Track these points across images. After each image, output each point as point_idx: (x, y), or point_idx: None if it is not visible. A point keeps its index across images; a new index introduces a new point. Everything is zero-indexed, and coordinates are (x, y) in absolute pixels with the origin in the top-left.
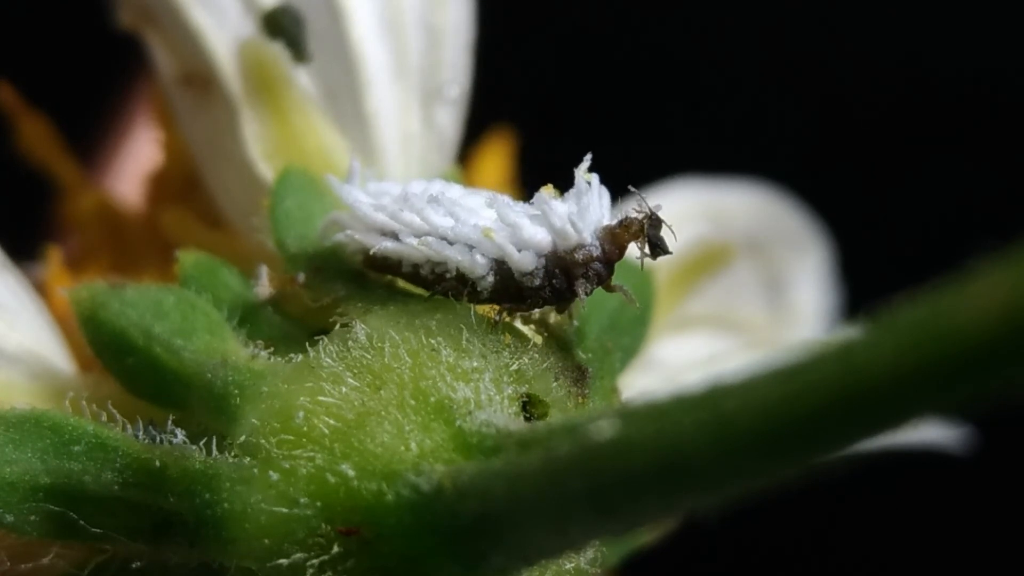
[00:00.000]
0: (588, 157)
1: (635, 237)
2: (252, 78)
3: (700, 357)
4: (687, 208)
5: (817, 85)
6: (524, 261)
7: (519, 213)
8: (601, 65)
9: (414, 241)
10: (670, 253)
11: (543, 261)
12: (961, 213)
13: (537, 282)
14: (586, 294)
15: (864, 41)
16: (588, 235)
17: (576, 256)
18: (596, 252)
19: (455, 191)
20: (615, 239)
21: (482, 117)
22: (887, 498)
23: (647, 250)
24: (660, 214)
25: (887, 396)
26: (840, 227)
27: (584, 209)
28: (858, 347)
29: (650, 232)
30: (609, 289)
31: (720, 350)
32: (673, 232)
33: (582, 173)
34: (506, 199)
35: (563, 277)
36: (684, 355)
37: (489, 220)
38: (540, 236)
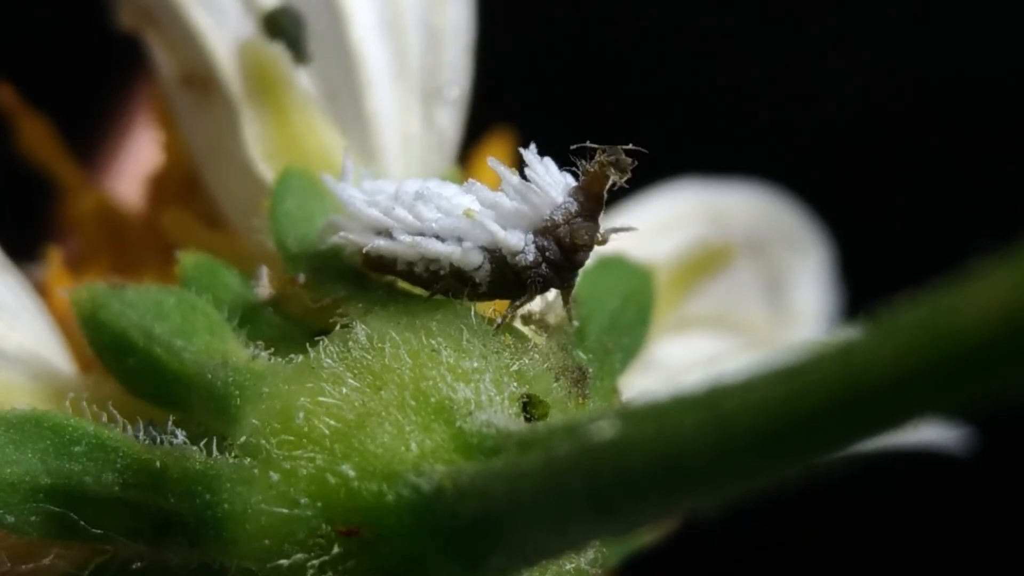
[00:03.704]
0: (533, 145)
1: (604, 177)
2: (252, 79)
3: (700, 357)
4: (687, 208)
5: (818, 85)
6: (512, 239)
7: (498, 193)
8: (601, 65)
9: (407, 239)
10: (645, 153)
11: (531, 237)
12: (961, 213)
13: (531, 258)
14: (576, 245)
15: (864, 41)
16: (558, 194)
17: (556, 218)
18: (574, 207)
19: (449, 189)
20: (588, 188)
21: (482, 117)
22: (887, 498)
23: (622, 176)
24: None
25: (887, 396)
26: (840, 227)
27: (542, 174)
28: (858, 347)
29: (611, 161)
30: (602, 243)
31: (720, 350)
32: (634, 149)
33: (529, 152)
34: (483, 185)
35: (555, 247)
36: (684, 355)
37: (473, 206)
38: (521, 208)
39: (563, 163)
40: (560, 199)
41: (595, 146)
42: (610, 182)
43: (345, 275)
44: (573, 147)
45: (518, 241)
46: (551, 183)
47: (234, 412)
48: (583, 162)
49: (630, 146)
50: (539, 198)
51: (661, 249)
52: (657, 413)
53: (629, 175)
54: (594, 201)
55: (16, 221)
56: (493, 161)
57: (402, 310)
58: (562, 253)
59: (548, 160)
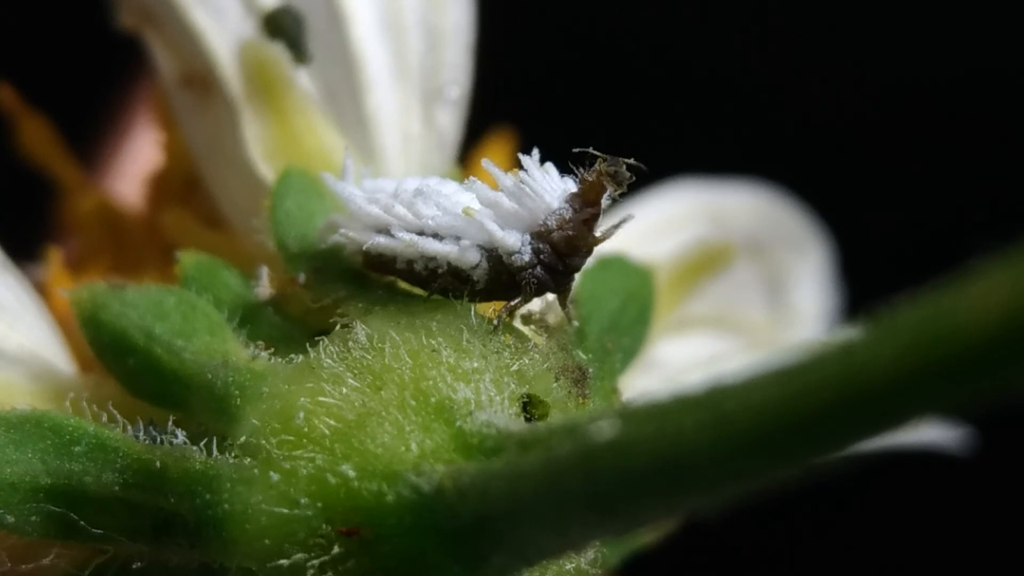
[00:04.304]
0: (535, 150)
1: (601, 187)
2: (252, 79)
3: (700, 358)
4: (687, 208)
5: (817, 85)
6: (509, 240)
7: (498, 192)
8: (601, 65)
9: (406, 236)
10: (644, 170)
11: (528, 238)
12: (961, 213)
13: (526, 259)
14: (570, 250)
15: (864, 41)
16: (553, 199)
17: (550, 223)
18: (568, 214)
19: (449, 186)
20: (584, 196)
21: (482, 117)
22: (887, 498)
23: (618, 188)
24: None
25: (887, 396)
26: (840, 227)
27: (539, 179)
28: (858, 347)
29: (610, 172)
30: (596, 243)
31: (721, 351)
32: (635, 164)
33: (528, 157)
34: (484, 184)
35: (550, 251)
36: (685, 356)
37: (472, 204)
38: (519, 210)
39: (564, 164)
40: (556, 204)
41: (597, 154)
42: (607, 193)
43: (345, 275)
44: (575, 150)
45: (515, 242)
46: (547, 188)
47: (234, 412)
48: (582, 169)
49: (631, 160)
50: (533, 202)
51: (661, 249)
52: (657, 413)
53: (626, 189)
54: (590, 208)
55: (16, 221)
56: (488, 163)
57: (402, 310)
58: (557, 257)
59: (549, 165)
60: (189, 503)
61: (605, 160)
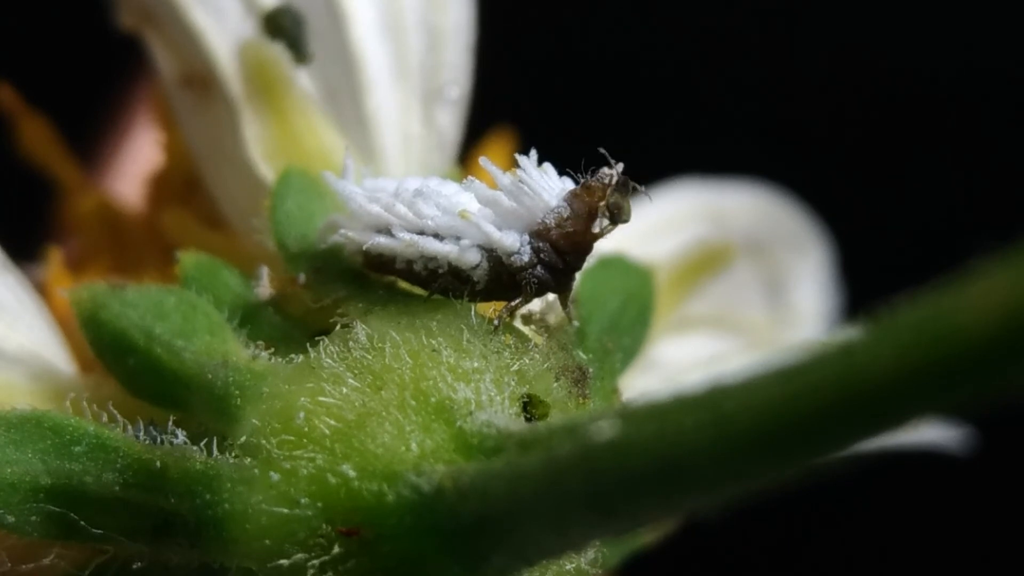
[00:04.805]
0: (533, 151)
1: (603, 196)
2: (252, 79)
3: (700, 358)
4: (687, 208)
5: (817, 85)
6: (507, 240)
7: (497, 192)
8: (601, 66)
9: (406, 236)
10: (626, 221)
11: (527, 238)
12: (961, 213)
13: (526, 259)
14: (570, 248)
15: (864, 41)
16: (551, 197)
17: (548, 221)
18: (566, 212)
19: (449, 187)
20: (583, 197)
21: (482, 117)
22: (887, 498)
23: (608, 215)
24: (623, 180)
25: (887, 396)
26: (840, 227)
27: (536, 178)
28: (858, 347)
29: (615, 193)
30: (596, 238)
31: (720, 351)
32: (643, 190)
33: (525, 156)
34: (483, 184)
35: (551, 250)
36: (685, 356)
37: (471, 205)
38: (518, 209)
39: (567, 163)
40: (554, 203)
41: (612, 162)
42: (603, 204)
43: (345, 275)
44: (600, 150)
45: (513, 242)
46: (545, 187)
47: (234, 412)
48: (586, 176)
49: (643, 189)
50: (532, 200)
51: (661, 249)
52: (657, 413)
53: (612, 223)
54: (586, 209)
55: (16, 221)
56: (485, 161)
57: (402, 310)
58: (557, 255)
59: (547, 165)
60: (189, 503)
61: (615, 178)
